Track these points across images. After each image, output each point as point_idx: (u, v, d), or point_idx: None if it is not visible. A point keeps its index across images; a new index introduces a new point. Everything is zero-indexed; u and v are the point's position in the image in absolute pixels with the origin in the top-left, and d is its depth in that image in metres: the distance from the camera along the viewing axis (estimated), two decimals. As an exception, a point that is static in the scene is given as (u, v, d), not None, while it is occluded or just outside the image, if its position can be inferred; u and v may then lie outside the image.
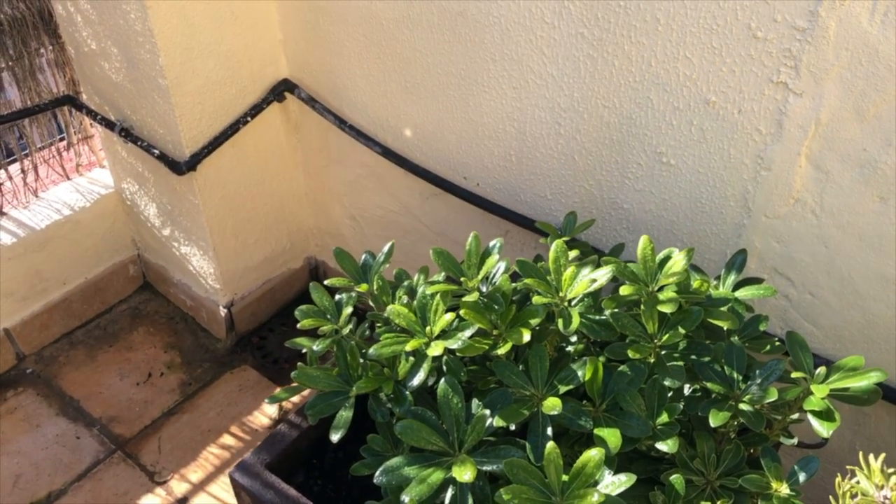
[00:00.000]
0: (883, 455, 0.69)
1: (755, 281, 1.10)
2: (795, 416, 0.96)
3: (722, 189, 1.27)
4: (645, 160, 1.34)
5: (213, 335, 2.15)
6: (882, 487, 0.55)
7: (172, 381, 2.03)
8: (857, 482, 0.56)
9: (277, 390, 1.14)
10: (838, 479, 0.60)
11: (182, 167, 1.76)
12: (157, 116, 1.76)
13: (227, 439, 1.89)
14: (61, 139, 2.14)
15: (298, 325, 1.09)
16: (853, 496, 0.56)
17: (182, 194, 1.89)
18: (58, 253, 2.07)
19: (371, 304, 1.12)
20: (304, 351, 1.15)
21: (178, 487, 1.79)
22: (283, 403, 1.84)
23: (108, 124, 1.89)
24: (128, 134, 1.85)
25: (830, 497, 0.59)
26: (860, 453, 0.60)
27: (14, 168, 2.06)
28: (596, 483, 0.87)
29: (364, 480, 0.96)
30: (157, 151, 1.80)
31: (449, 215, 1.74)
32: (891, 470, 0.58)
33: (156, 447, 1.88)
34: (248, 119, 1.83)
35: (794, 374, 0.93)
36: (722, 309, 1.00)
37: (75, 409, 1.96)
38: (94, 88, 1.90)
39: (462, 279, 1.03)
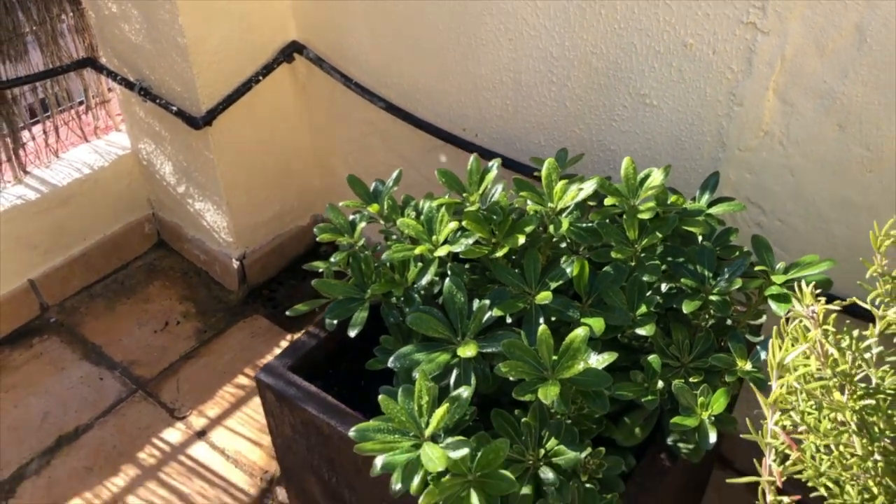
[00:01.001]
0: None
1: (727, 199, 1.22)
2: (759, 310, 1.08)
3: (699, 126, 1.40)
4: (630, 102, 1.46)
5: (225, 287, 2.27)
6: (810, 306, 0.67)
7: (188, 329, 2.16)
8: (794, 307, 0.69)
9: (298, 305, 1.27)
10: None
11: (199, 122, 1.88)
12: (175, 75, 1.88)
13: (241, 380, 2.02)
14: (80, 103, 2.26)
15: (317, 238, 1.21)
16: (790, 321, 0.69)
17: (198, 150, 2.01)
18: (78, 210, 2.19)
19: (382, 223, 1.24)
20: (321, 270, 1.27)
21: (197, 422, 1.92)
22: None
23: (128, 84, 2.00)
24: (146, 93, 1.97)
25: (774, 328, 0.71)
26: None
27: (36, 129, 2.18)
28: (585, 360, 0.99)
29: (376, 386, 1.07)
30: (175, 108, 1.92)
31: (450, 167, 1.86)
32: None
33: (175, 387, 2.00)
34: (260, 78, 1.95)
35: (757, 268, 1.06)
36: (696, 218, 1.13)
37: (97, 354, 2.08)
38: (112, 51, 2.02)
39: (464, 195, 1.16)
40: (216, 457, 1.84)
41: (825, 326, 0.67)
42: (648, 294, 1.08)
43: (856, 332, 0.70)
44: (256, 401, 1.96)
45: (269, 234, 2.26)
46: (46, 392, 1.98)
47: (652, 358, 1.04)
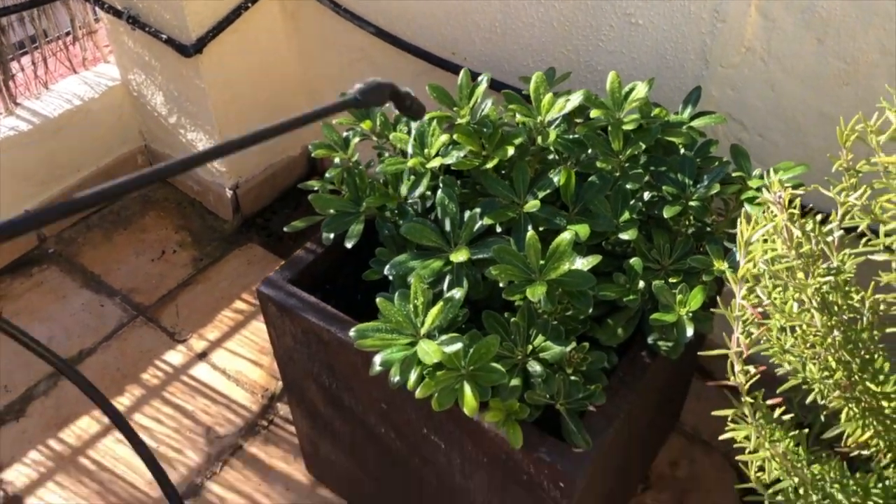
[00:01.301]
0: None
1: (708, 113, 1.27)
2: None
3: (683, 44, 1.43)
4: (616, 22, 1.49)
5: (220, 217, 2.31)
6: (777, 192, 0.73)
7: (185, 258, 2.20)
8: (763, 194, 0.74)
9: (295, 221, 1.31)
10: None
11: (189, 50, 1.89)
12: (164, 2, 1.88)
13: (239, 304, 2.08)
14: (67, 34, 2.25)
15: (312, 154, 1.25)
16: (755, 203, 0.74)
17: (189, 79, 2.02)
18: (70, 141, 2.20)
19: (375, 139, 1.28)
20: (315, 189, 1.32)
21: (197, 344, 1.98)
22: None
23: (116, 12, 2.00)
24: (135, 21, 1.97)
25: (744, 210, 0.77)
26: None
27: (25, 60, 2.18)
28: (571, 262, 1.05)
29: (372, 299, 1.12)
30: (164, 36, 1.92)
31: (439, 91, 1.89)
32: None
33: (174, 312, 2.06)
34: (249, 5, 1.96)
35: (734, 174, 1.11)
36: (677, 129, 1.17)
37: (97, 282, 2.13)
38: (100, -22, 2.01)
39: (454, 109, 1.20)
40: (217, 377, 1.91)
41: (791, 210, 0.72)
42: (632, 202, 1.13)
43: (819, 217, 0.75)
44: (255, 324, 2.03)
45: (262, 164, 2.29)
46: (49, 318, 2.03)
47: (634, 261, 1.10)
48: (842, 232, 0.78)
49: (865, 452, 0.97)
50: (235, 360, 1.94)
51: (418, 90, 1.86)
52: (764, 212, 0.75)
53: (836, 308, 0.75)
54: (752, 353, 0.80)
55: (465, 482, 1.23)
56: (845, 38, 1.24)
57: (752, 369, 0.76)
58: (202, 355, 1.96)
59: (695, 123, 1.25)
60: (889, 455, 0.96)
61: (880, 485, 0.95)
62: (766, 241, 0.76)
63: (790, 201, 0.73)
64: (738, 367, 0.76)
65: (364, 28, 1.89)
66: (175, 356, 1.95)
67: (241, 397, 1.87)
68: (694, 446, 1.73)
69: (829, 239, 0.76)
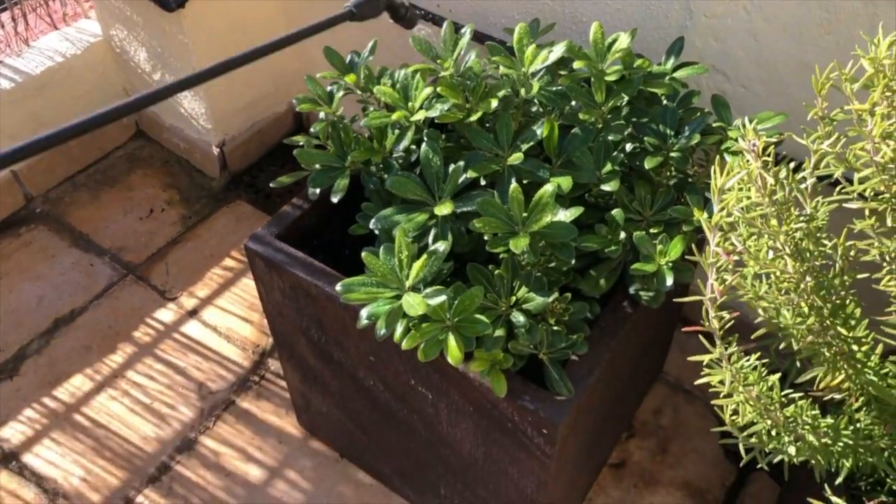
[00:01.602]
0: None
1: (691, 63, 1.27)
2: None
3: (668, -7, 1.42)
4: (600, -28, 1.48)
5: (207, 175, 2.31)
6: (751, 140, 0.74)
7: (173, 215, 2.21)
8: (737, 141, 0.75)
9: (281, 177, 1.32)
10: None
11: (171, 4, 1.87)
12: (143, -45, 1.85)
13: (228, 262, 2.09)
14: (46, -11, 2.21)
15: (297, 108, 1.25)
16: (735, 153, 0.75)
17: (171, 35, 2.00)
18: (53, 99, 2.18)
19: (359, 93, 1.28)
20: (301, 144, 1.32)
21: (188, 302, 2.00)
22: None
23: (95, -33, 1.97)
24: (115, -25, 1.94)
25: (717, 157, 0.78)
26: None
27: (5, 17, 2.14)
28: (553, 214, 1.06)
29: (359, 255, 1.13)
30: (145, -10, 1.90)
31: (424, 44, 1.88)
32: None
33: (164, 270, 2.07)
34: (230, -42, 1.92)
35: (715, 125, 1.12)
36: (660, 80, 1.18)
37: (86, 241, 2.13)
38: (77, -69, 1.97)
39: (438, 61, 1.19)
40: (209, 333, 1.93)
41: (765, 158, 0.74)
42: (614, 153, 1.14)
43: (792, 165, 0.77)
44: (244, 281, 2.04)
45: (248, 121, 2.28)
46: (39, 278, 2.04)
47: (615, 212, 1.11)
48: (814, 179, 0.80)
49: (838, 396, 1.00)
50: (226, 317, 1.96)
51: (404, 44, 1.85)
52: (739, 160, 0.76)
53: (808, 254, 0.77)
54: (726, 299, 0.82)
55: (452, 431, 1.26)
56: (828, -14, 1.24)
57: (725, 315, 0.79)
58: (193, 312, 1.97)
59: (677, 74, 1.25)
60: (861, 398, 1.00)
61: (851, 427, 0.99)
62: (741, 189, 0.78)
63: (764, 149, 0.74)
64: (712, 314, 0.78)
65: (347, -19, 1.86)
66: (166, 314, 1.97)
67: (233, 353, 1.89)
68: (677, 395, 1.77)
69: (803, 186, 0.78)
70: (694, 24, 1.43)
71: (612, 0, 1.50)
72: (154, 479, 1.67)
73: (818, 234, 0.77)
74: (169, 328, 1.94)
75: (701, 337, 0.83)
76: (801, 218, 0.76)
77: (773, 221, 0.75)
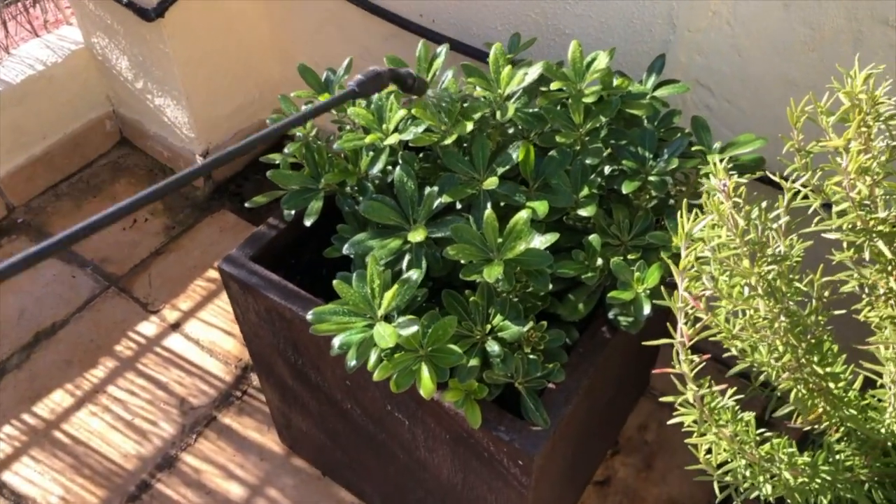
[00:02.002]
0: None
1: (672, 82, 1.24)
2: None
3: (650, 8, 1.40)
4: (583, -15, 1.45)
5: (191, 184, 2.28)
6: (722, 180, 0.72)
7: (157, 226, 2.18)
8: (709, 181, 0.73)
9: (257, 196, 1.29)
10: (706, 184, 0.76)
11: (150, 13, 1.84)
12: (122, -36, 1.82)
13: (211, 273, 2.06)
14: (27, -4, 2.18)
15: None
16: (709, 194, 0.73)
17: (152, 43, 1.97)
18: (35, 108, 2.15)
19: (334, 112, 1.26)
20: (277, 163, 1.30)
21: (171, 315, 1.97)
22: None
23: (74, -25, 1.94)
24: (94, -16, 1.91)
25: (685, 201, 0.76)
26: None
27: (-16, 25, 2.12)
28: (527, 241, 1.04)
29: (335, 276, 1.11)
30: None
31: (407, 55, 1.85)
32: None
33: (147, 282, 2.05)
34: (211, -34, 1.90)
35: (694, 148, 1.10)
36: (639, 101, 1.15)
37: (68, 252, 2.11)
38: (55, -61, 1.94)
39: (413, 82, 1.17)
40: (191, 347, 1.91)
41: (735, 199, 0.71)
42: (591, 177, 1.12)
43: (764, 204, 0.74)
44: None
45: (232, 129, 2.25)
46: (20, 290, 2.02)
47: (592, 237, 1.09)
48: (788, 218, 0.77)
49: (819, 427, 0.99)
50: (209, 331, 1.94)
51: (388, 53, 1.82)
52: (709, 197, 0.74)
53: (780, 294, 0.75)
54: (698, 340, 0.80)
55: (430, 457, 1.24)
56: (811, 2, 1.22)
57: (696, 359, 0.77)
58: (175, 326, 1.95)
59: (658, 93, 1.23)
60: (841, 430, 0.98)
61: (830, 460, 0.97)
62: (713, 226, 0.76)
63: (735, 188, 0.72)
64: (682, 357, 0.76)
65: (329, -10, 1.84)
66: (148, 327, 1.95)
67: (215, 368, 1.87)
68: (662, 409, 1.75)
69: (776, 225, 0.76)
70: (678, 39, 1.40)
71: (596, 13, 1.47)
72: (134, 497, 1.65)
73: (790, 276, 0.75)
74: (151, 342, 1.92)
75: (673, 377, 0.81)
76: (776, 257, 0.74)
77: (746, 262, 0.73)
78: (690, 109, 1.48)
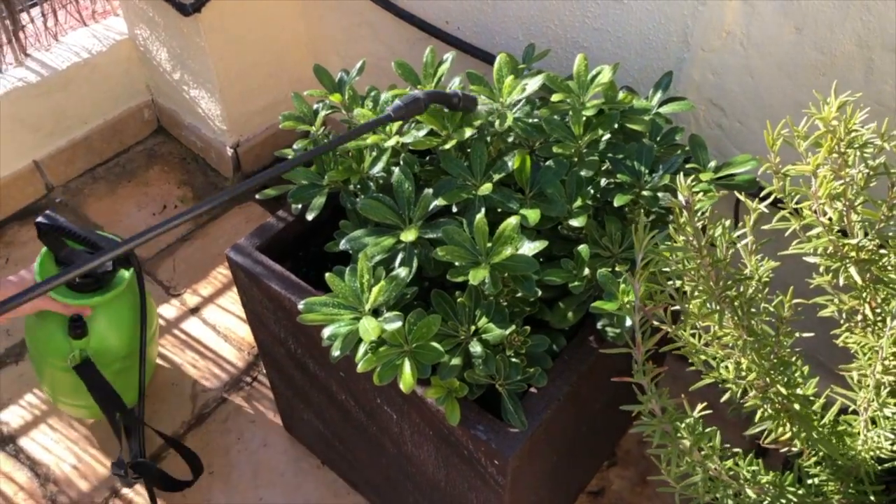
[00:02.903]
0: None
1: (678, 99, 1.26)
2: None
3: (666, 25, 1.41)
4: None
5: (221, 174, 2.36)
6: (685, 196, 0.73)
7: (185, 213, 2.25)
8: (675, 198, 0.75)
9: (268, 189, 1.34)
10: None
11: (188, 8, 1.91)
12: (164, -41, 1.89)
13: (233, 262, 2.12)
14: (78, -14, 2.28)
15: (280, 126, 1.27)
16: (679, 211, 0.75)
17: (189, 37, 2.05)
18: (78, 93, 2.25)
19: (344, 112, 1.30)
20: (289, 157, 1.34)
21: (191, 300, 2.04)
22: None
23: (120, -32, 2.02)
24: (138, -23, 1.99)
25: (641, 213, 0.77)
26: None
27: (35, 12, 2.21)
28: (515, 247, 1.07)
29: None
30: (165, -6, 1.94)
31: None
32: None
33: (171, 267, 2.12)
34: (250, -35, 1.96)
35: (689, 166, 1.11)
36: (640, 116, 1.17)
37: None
38: (105, -67, 2.02)
39: (418, 86, 1.20)
40: (208, 332, 1.97)
41: (699, 216, 0.73)
42: (586, 188, 1.14)
43: (728, 223, 0.76)
44: (247, 282, 2.08)
45: (263, 124, 2.32)
46: (52, 267, 2.10)
47: (582, 247, 1.11)
48: (752, 238, 0.78)
49: (795, 449, 0.99)
50: (226, 317, 2.00)
51: (414, 57, 1.86)
52: (675, 214, 0.76)
53: (740, 312, 0.76)
54: (666, 350, 0.82)
55: (416, 452, 1.27)
56: (823, 28, 1.22)
57: (651, 368, 0.78)
58: (194, 310, 2.02)
59: (663, 109, 1.24)
60: (815, 456, 0.98)
61: (806, 483, 0.97)
62: (676, 242, 0.77)
63: (697, 209, 0.73)
64: (638, 367, 0.78)
65: (361, -8, 1.89)
66: (169, 309, 2.02)
67: (229, 353, 1.93)
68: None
69: (743, 243, 0.77)
70: (691, 57, 1.41)
71: (613, 28, 1.49)
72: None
73: (756, 296, 0.76)
74: (170, 324, 1.99)
75: (634, 387, 0.82)
76: (738, 276, 0.75)
77: (707, 281, 0.74)
78: (703, 128, 1.49)
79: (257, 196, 1.35)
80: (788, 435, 0.91)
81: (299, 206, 1.31)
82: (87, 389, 1.47)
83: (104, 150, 2.38)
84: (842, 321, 0.92)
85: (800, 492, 0.94)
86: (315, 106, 1.30)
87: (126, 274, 1.55)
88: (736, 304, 0.75)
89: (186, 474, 1.58)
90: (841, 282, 0.85)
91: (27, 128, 2.18)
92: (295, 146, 1.28)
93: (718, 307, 0.75)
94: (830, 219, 0.77)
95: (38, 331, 1.55)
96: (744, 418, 1.03)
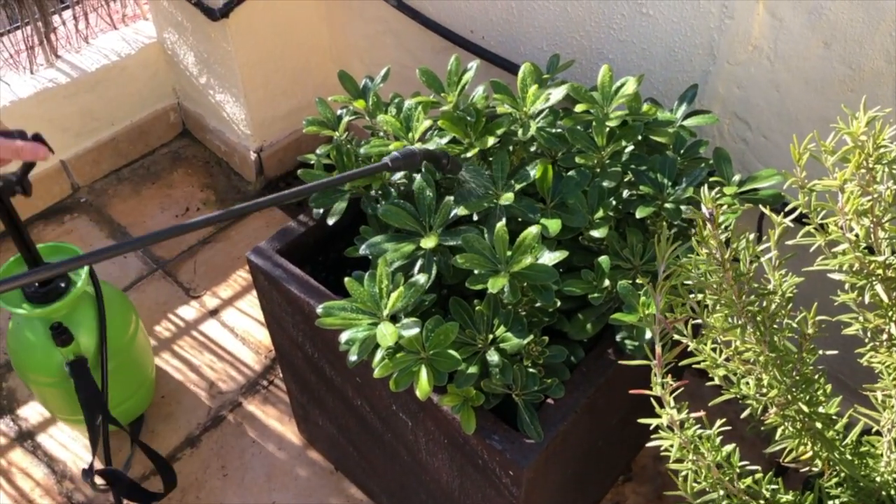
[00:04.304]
0: (717, 190, 0.85)
1: (703, 112, 1.25)
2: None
3: (692, 38, 1.40)
4: (627, 11, 1.47)
5: (244, 178, 2.37)
6: (709, 209, 0.73)
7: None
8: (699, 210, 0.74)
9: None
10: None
11: (216, 13, 1.93)
12: (194, -35, 1.91)
13: (253, 265, 2.14)
14: (109, -10, 2.31)
15: (304, 131, 1.28)
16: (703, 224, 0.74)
17: (216, 42, 2.07)
18: (106, 95, 2.28)
19: (367, 118, 1.30)
20: (312, 162, 1.35)
21: (210, 302, 2.05)
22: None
23: (151, -27, 2.05)
24: (168, -18, 2.01)
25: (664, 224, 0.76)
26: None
27: (66, 14, 2.25)
28: (535, 256, 1.06)
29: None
30: (193, -1, 1.97)
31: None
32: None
33: (191, 269, 2.14)
34: (277, -28, 1.98)
35: (712, 179, 1.10)
36: (664, 128, 1.16)
37: (122, 234, 2.22)
38: (137, -62, 2.05)
39: (442, 94, 1.20)
40: (226, 334, 1.98)
41: (722, 228, 0.72)
42: (608, 199, 1.13)
43: (752, 236, 0.75)
44: (266, 285, 2.09)
45: (287, 129, 2.33)
46: (75, 266, 2.13)
47: (602, 259, 1.10)
48: (776, 252, 0.77)
49: (816, 469, 0.97)
50: (244, 320, 2.01)
51: (438, 65, 1.87)
52: (698, 226, 0.75)
53: (762, 328, 0.75)
54: (686, 364, 0.81)
55: (430, 460, 1.27)
56: (852, 43, 1.20)
57: (670, 382, 0.77)
58: (213, 312, 2.03)
59: (687, 122, 1.23)
60: (836, 477, 0.96)
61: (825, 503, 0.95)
62: (699, 254, 0.76)
63: (721, 222, 0.72)
64: (658, 379, 0.77)
65: (387, 0, 1.89)
66: (188, 311, 2.03)
67: (246, 356, 1.94)
68: (680, 441, 1.73)
69: (767, 257, 0.76)
70: (717, 70, 1.40)
71: (638, 40, 1.48)
72: (155, 472, 1.72)
73: (779, 311, 0.75)
74: (189, 325, 2.00)
75: (652, 400, 0.81)
76: (761, 290, 0.74)
77: (730, 294, 0.73)
78: (728, 142, 1.48)
79: (279, 200, 1.36)
80: (809, 454, 0.90)
81: (320, 210, 1.31)
82: (75, 389, 1.46)
83: (130, 151, 2.41)
84: (866, 340, 0.91)
85: (821, 513, 0.92)
86: (339, 111, 1.30)
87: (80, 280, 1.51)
88: (758, 319, 0.74)
89: (188, 481, 1.59)
90: (866, 300, 0.83)
91: (56, 128, 2.21)
92: (318, 151, 1.29)
93: (741, 321, 0.74)
94: (857, 235, 0.76)
95: (21, 351, 1.53)
96: (763, 436, 1.01)
